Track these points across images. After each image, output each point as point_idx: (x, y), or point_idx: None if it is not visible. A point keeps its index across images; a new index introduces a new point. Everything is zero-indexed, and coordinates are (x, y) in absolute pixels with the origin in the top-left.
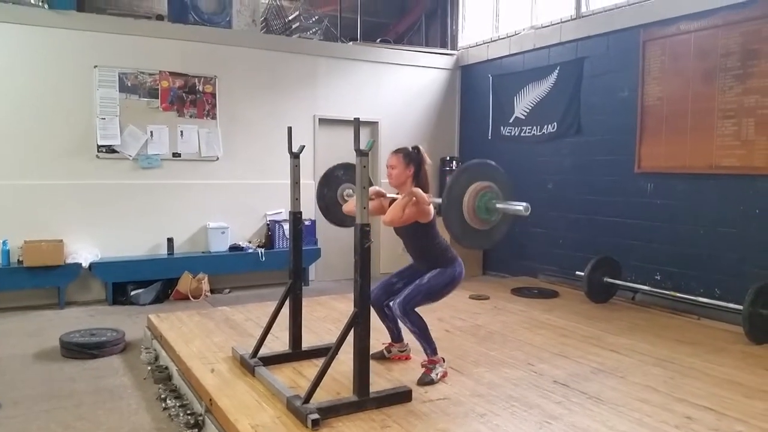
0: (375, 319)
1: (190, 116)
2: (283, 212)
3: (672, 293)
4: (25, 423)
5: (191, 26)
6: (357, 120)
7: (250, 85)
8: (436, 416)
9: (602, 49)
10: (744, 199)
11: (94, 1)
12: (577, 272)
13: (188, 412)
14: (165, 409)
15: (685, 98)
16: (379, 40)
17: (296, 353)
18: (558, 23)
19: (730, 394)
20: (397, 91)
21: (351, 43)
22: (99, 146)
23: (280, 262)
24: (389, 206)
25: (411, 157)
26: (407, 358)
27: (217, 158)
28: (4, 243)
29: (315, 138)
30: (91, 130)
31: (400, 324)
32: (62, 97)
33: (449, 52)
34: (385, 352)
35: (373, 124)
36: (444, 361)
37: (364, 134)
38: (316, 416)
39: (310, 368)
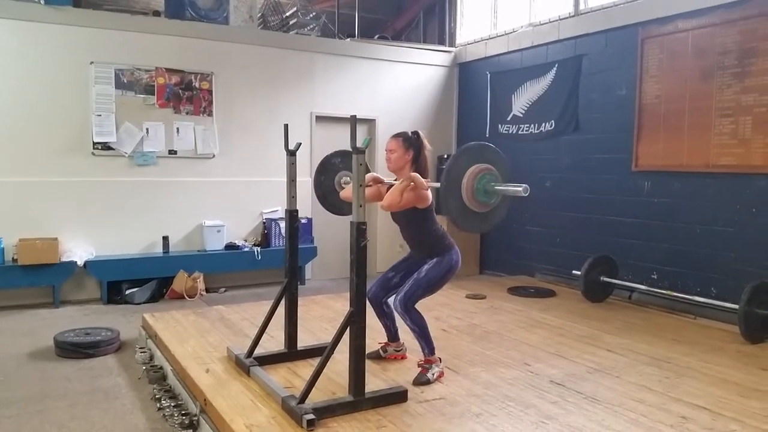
0: (371, 319)
1: (187, 113)
2: (279, 210)
3: (668, 292)
4: (18, 423)
5: (188, 22)
6: (354, 117)
7: (247, 82)
8: (432, 416)
9: (600, 46)
10: (741, 197)
11: None
12: (574, 271)
13: (183, 412)
14: (160, 409)
15: (682, 96)
16: (376, 36)
17: (292, 353)
18: (556, 20)
19: (725, 394)
20: (395, 88)
21: (348, 39)
22: (94, 143)
23: (276, 261)
24: (387, 192)
25: (410, 141)
26: (403, 357)
27: (213, 156)
28: None
29: (312, 135)
30: (87, 126)
31: (398, 323)
32: (58, 94)
33: (447, 49)
34: (381, 351)
35: (370, 122)
36: (441, 361)
37: (361, 132)
38: (311, 416)
39: (306, 368)
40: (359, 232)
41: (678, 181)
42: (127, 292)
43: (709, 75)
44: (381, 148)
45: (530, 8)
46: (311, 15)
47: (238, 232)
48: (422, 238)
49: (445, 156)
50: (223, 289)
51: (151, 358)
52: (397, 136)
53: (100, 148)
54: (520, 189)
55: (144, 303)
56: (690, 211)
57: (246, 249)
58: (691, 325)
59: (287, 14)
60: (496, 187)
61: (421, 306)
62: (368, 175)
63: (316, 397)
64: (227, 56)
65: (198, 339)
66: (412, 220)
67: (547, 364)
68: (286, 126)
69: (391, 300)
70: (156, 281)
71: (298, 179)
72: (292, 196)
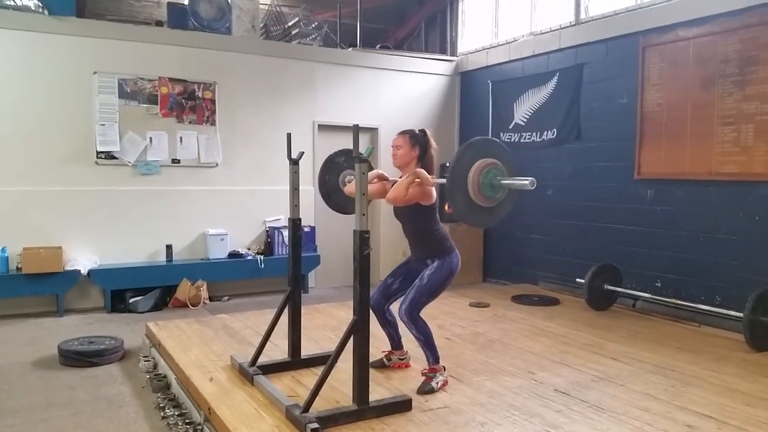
0: (374, 327)
1: (190, 122)
2: (282, 219)
3: (672, 300)
4: None
5: (191, 32)
6: (356, 126)
7: (250, 91)
8: (436, 425)
9: (601, 55)
10: (744, 205)
11: (93, 7)
12: (578, 279)
13: (187, 421)
14: (164, 418)
15: (684, 104)
16: (378, 46)
17: (295, 361)
18: (557, 29)
19: (731, 402)
20: (397, 97)
21: (350, 49)
22: (98, 152)
23: (280, 269)
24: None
25: (417, 138)
26: (407, 366)
27: (216, 164)
28: (3, 250)
29: (314, 144)
30: (91, 136)
31: (401, 331)
32: (62, 103)
33: (449, 58)
34: (384, 360)
35: (372, 131)
36: (445, 369)
37: (364, 141)
38: (315, 425)
39: (310, 377)
40: (362, 240)
41: (681, 189)
42: (131, 300)
43: (710, 83)
44: (383, 156)
45: (531, 17)
46: (313, 25)
47: (241, 240)
48: (423, 236)
49: (447, 164)
50: (227, 298)
51: (155, 366)
52: (404, 132)
53: (103, 157)
54: (526, 182)
55: (147, 311)
56: (693, 219)
57: (249, 257)
58: (695, 333)
59: (289, 24)
60: (502, 181)
61: (424, 314)
62: (372, 172)
63: (320, 406)
64: (230, 66)
65: (201, 347)
66: (415, 217)
67: (552, 372)
68: (288, 135)
69: (394, 309)
70: (159, 290)
71: (301, 188)
72: (295, 205)
